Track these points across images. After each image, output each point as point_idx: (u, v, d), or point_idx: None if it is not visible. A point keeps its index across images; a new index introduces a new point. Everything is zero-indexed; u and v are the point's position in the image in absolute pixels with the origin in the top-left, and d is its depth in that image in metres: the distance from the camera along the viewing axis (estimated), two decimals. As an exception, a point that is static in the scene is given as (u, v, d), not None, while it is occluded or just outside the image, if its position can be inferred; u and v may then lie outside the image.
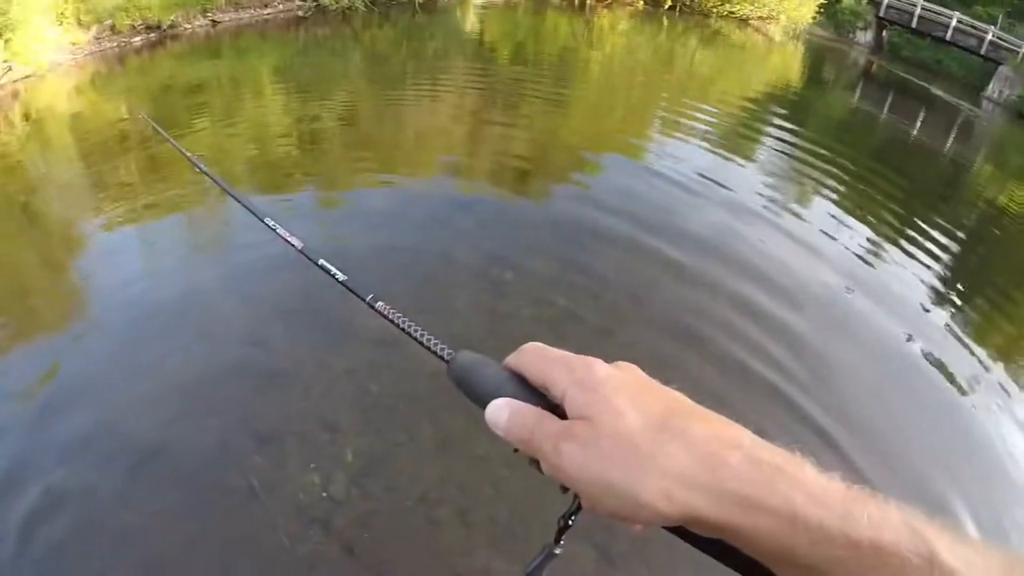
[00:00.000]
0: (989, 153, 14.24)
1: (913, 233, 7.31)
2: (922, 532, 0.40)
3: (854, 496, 0.42)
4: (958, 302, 6.02)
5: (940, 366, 4.79)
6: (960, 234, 8.04)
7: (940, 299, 5.97)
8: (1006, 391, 4.75)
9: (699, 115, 10.29)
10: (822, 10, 23.84)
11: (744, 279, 5.18)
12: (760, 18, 23.23)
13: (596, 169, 7.27)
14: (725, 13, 22.47)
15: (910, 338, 5.01)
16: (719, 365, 4.15)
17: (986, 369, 4.95)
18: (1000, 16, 22.45)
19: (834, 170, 8.86)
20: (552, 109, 9.42)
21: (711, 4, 22.20)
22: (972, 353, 5.08)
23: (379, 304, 0.78)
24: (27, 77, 9.17)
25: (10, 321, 4.03)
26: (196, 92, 8.60)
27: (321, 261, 0.90)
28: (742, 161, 8.43)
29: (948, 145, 13.92)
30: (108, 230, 5.08)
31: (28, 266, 4.83)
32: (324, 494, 2.88)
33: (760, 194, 7.25)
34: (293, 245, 1.00)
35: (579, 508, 0.53)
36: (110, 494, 2.79)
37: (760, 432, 0.47)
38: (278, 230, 1.04)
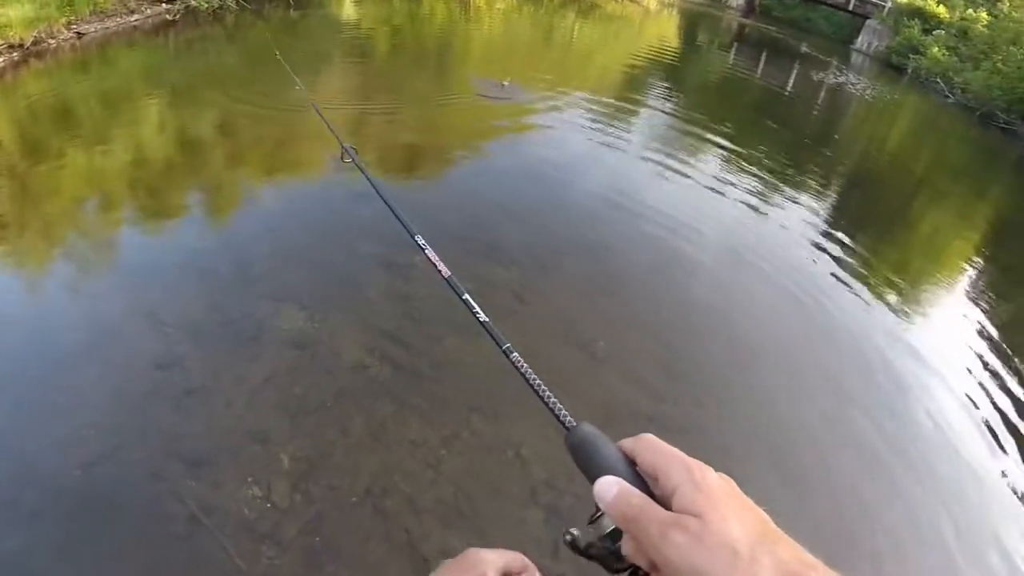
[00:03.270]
0: (860, 102, 15.23)
1: (795, 179, 7.88)
2: None
3: None
4: (841, 237, 6.60)
5: (823, 294, 5.42)
6: (838, 176, 8.73)
7: (823, 236, 6.57)
8: (890, 317, 5.44)
9: (582, 88, 10.53)
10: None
11: (639, 239, 5.61)
12: (634, -12, 23.70)
13: (486, 150, 7.33)
14: (600, -15, 22.81)
15: (803, 273, 5.52)
16: (628, 322, 4.50)
17: (867, 298, 5.59)
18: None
19: (715, 128, 9.31)
20: (434, 93, 9.35)
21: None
22: (854, 283, 5.67)
23: (514, 356, 0.80)
24: None
25: None
26: (63, 112, 7.99)
27: (465, 296, 0.91)
28: (626, 128, 8.71)
29: (822, 96, 14.80)
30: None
31: None
32: (268, 505, 2.83)
33: (647, 157, 7.61)
34: (440, 271, 0.99)
35: None
36: (46, 551, 2.59)
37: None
38: (427, 251, 1.02)
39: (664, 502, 0.57)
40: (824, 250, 6.17)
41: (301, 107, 7.31)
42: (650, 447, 0.61)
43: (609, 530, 0.59)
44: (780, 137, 10.00)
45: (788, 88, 14.83)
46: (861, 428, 4.03)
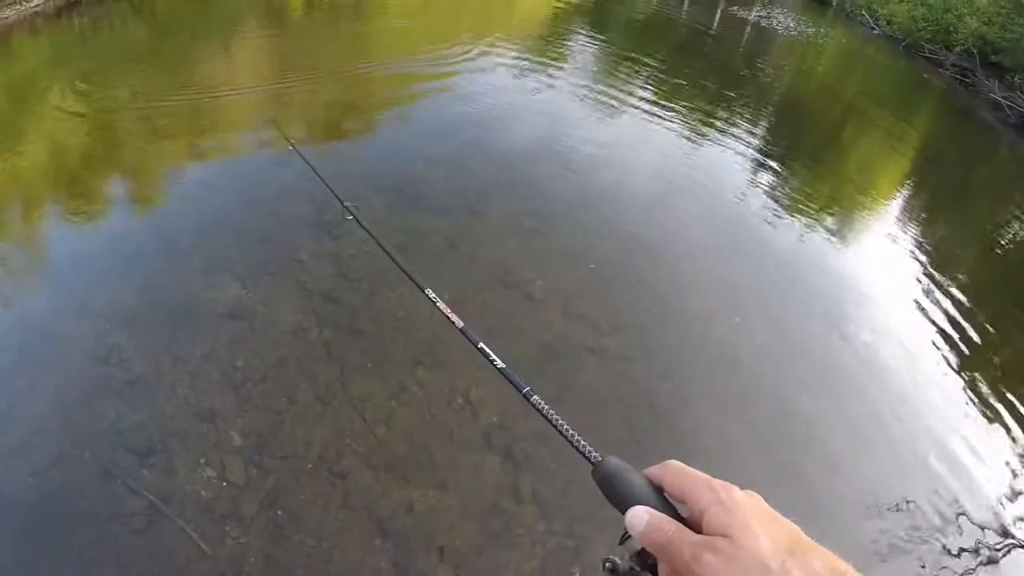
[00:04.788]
0: (786, 35, 15.20)
1: (726, 110, 7.94)
2: None
3: None
4: (773, 163, 6.71)
5: (759, 219, 5.62)
6: (769, 106, 8.81)
7: (755, 163, 6.66)
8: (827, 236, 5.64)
9: (507, 34, 10.28)
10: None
11: (569, 175, 5.69)
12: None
13: (412, 106, 7.11)
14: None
15: (738, 201, 5.63)
16: (563, 258, 4.60)
17: (802, 220, 5.82)
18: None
19: (643, 65, 9.33)
20: (355, 49, 8.96)
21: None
22: (788, 207, 5.90)
23: (534, 398, 0.83)
24: None
25: None
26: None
27: (480, 344, 0.94)
28: (553, 70, 8.67)
29: (748, 31, 14.76)
30: None
31: None
32: (224, 484, 2.85)
33: (574, 96, 7.69)
34: (453, 323, 1.03)
35: None
36: (9, 565, 2.58)
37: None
38: (438, 304, 1.09)
39: (693, 523, 0.58)
40: (757, 176, 6.32)
41: (214, 85, 6.97)
42: (676, 472, 0.63)
43: (639, 548, 0.62)
44: (709, 72, 10.04)
45: (714, 25, 14.79)
46: (802, 344, 4.23)
